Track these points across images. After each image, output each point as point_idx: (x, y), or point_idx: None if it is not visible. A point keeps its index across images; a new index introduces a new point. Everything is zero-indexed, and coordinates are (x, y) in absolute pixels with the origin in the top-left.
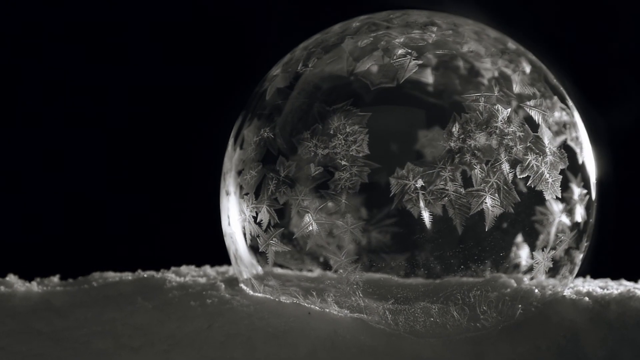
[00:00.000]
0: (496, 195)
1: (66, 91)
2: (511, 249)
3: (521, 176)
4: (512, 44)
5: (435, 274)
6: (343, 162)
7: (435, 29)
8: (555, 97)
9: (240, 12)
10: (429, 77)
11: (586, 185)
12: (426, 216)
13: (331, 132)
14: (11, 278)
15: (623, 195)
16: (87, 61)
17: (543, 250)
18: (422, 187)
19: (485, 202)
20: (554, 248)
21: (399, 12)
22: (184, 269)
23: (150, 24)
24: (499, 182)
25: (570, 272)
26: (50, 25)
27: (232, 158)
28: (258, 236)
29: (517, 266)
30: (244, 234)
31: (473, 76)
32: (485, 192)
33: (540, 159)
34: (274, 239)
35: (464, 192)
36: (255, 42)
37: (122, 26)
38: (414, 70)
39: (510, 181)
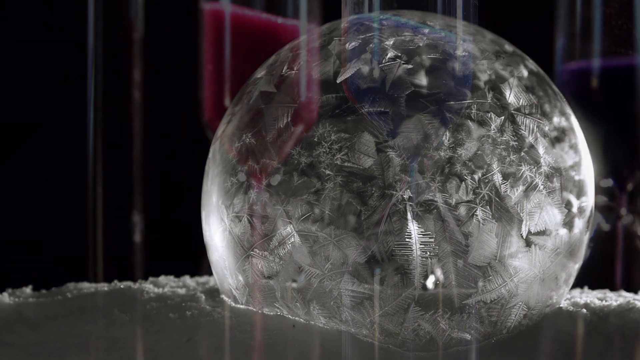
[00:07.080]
0: (487, 207)
1: (63, 90)
2: (505, 259)
3: (514, 187)
4: (509, 47)
5: (426, 285)
6: (327, 172)
7: (427, 30)
8: (553, 103)
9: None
10: (422, 80)
11: (585, 194)
12: (414, 229)
13: (315, 139)
14: None
15: (622, 204)
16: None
17: (539, 262)
18: (410, 198)
19: (476, 215)
20: (550, 259)
21: (390, 13)
22: (162, 279)
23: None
24: (490, 194)
25: (567, 283)
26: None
27: (213, 164)
28: (239, 246)
29: (511, 276)
30: (225, 244)
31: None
32: (477, 205)
33: (534, 169)
34: (254, 249)
35: (453, 203)
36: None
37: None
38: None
39: (502, 192)
